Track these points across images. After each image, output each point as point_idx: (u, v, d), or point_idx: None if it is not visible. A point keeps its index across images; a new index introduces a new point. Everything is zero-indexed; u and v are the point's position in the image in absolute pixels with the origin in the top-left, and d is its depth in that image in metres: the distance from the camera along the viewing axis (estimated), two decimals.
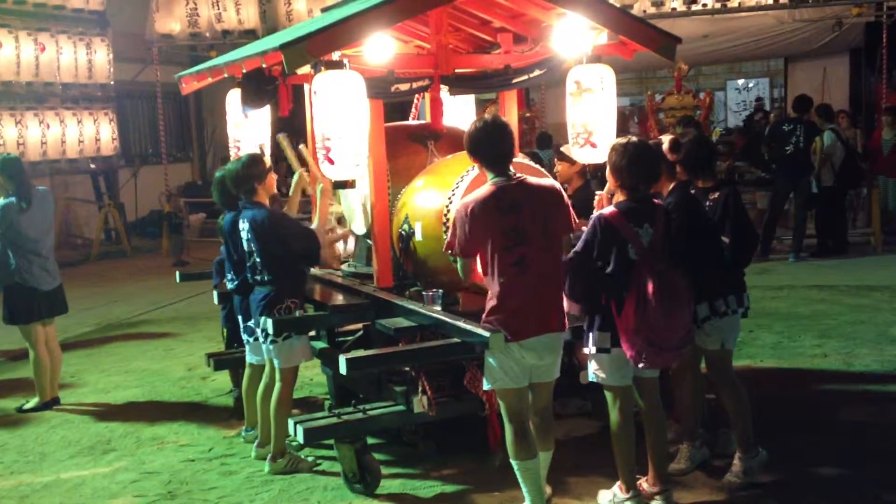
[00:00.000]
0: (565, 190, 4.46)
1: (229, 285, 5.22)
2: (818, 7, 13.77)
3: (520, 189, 3.93)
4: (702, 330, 4.44)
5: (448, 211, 4.46)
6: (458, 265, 4.07)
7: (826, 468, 4.66)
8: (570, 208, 4.09)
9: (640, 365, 4.01)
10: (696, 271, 4.23)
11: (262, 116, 5.70)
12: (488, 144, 3.98)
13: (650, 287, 3.93)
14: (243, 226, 4.88)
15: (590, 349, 4.17)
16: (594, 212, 4.27)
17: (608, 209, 4.11)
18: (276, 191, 5.25)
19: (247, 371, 5.34)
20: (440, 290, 4.66)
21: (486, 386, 4.07)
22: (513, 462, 3.99)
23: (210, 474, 4.98)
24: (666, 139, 4.62)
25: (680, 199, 4.43)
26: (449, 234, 4.07)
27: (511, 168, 4.00)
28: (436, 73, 5.13)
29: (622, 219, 4.04)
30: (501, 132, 3.99)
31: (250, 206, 4.87)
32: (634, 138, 4.22)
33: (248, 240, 4.85)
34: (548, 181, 4.20)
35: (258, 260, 4.82)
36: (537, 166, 4.74)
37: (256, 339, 5.03)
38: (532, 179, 4.04)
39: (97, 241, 14.15)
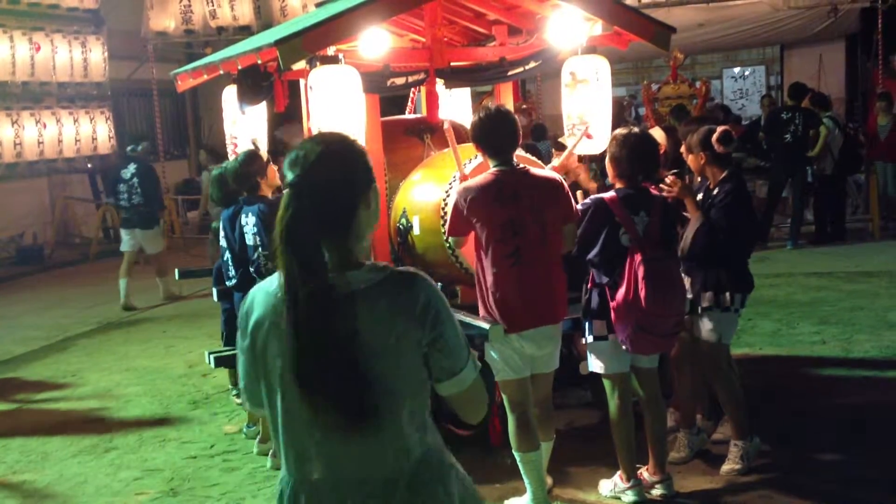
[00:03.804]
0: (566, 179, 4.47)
1: (229, 283, 5.21)
2: None
3: (520, 179, 3.94)
4: (701, 320, 4.45)
5: (446, 204, 4.46)
6: (450, 241, 4.09)
7: (824, 454, 4.68)
8: (571, 198, 4.10)
9: (626, 348, 4.04)
10: (718, 261, 4.27)
11: (259, 113, 5.70)
12: (492, 134, 4.00)
13: (641, 274, 3.95)
14: (248, 220, 4.86)
15: (587, 338, 4.18)
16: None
17: (607, 194, 4.14)
18: (279, 182, 5.23)
19: None
20: (438, 284, 4.66)
21: None
22: (515, 454, 4.00)
23: (212, 471, 5.00)
24: (720, 129, 4.53)
25: (737, 188, 4.43)
26: (448, 221, 4.09)
27: (514, 158, 4.02)
28: (431, 66, 5.13)
29: (619, 204, 4.06)
30: (505, 122, 4.01)
31: (254, 200, 4.86)
32: (636, 129, 4.23)
33: (254, 234, 4.83)
34: (549, 172, 4.21)
35: (264, 253, 4.81)
36: (534, 158, 4.75)
37: None
38: (533, 170, 4.06)
39: (95, 239, 14.11)
